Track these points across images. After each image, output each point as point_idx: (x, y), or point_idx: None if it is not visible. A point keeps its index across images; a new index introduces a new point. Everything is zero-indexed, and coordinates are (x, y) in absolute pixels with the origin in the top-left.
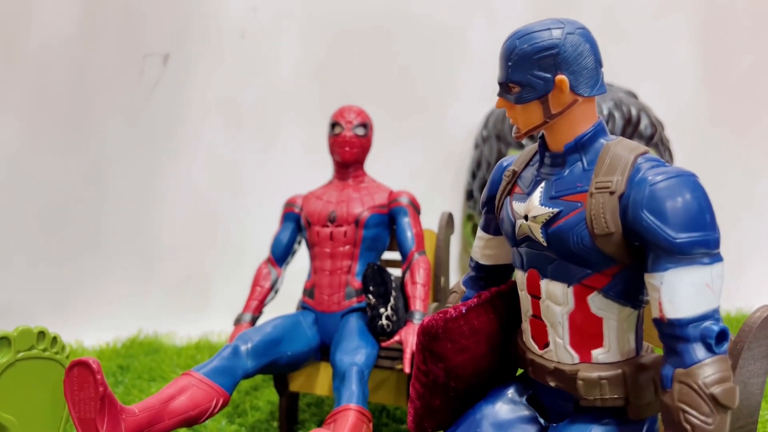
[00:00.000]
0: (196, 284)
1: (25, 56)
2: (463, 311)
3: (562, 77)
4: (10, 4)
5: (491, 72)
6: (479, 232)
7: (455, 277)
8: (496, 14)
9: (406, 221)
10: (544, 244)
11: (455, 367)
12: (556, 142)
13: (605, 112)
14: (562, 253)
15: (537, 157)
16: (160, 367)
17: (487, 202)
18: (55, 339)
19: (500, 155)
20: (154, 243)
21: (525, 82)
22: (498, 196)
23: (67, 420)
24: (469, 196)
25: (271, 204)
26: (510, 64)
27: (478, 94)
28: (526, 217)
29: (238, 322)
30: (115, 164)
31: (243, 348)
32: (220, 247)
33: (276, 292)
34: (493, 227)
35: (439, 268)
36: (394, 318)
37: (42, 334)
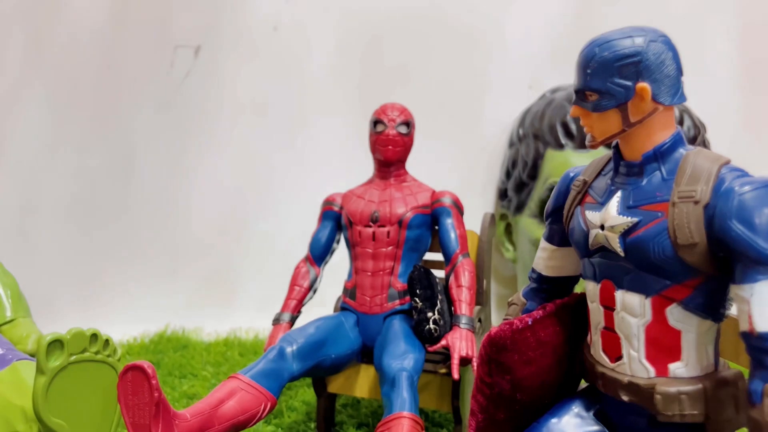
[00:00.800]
0: (223, 279)
1: (54, 47)
2: (530, 323)
3: (643, 85)
4: None
5: (527, 68)
6: (543, 243)
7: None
8: (532, 8)
9: (449, 222)
10: (622, 254)
11: (522, 380)
12: (632, 150)
13: None
14: (641, 263)
15: (609, 166)
16: (190, 363)
17: (552, 212)
18: (107, 341)
19: (537, 155)
20: (182, 237)
21: (604, 90)
22: (567, 206)
23: (119, 424)
24: (503, 195)
25: (300, 200)
26: (589, 71)
27: (513, 91)
28: (602, 227)
29: (276, 321)
30: (143, 156)
31: (288, 350)
32: (248, 242)
33: (314, 291)
34: (557, 238)
35: (482, 270)
36: (441, 322)
37: (95, 336)
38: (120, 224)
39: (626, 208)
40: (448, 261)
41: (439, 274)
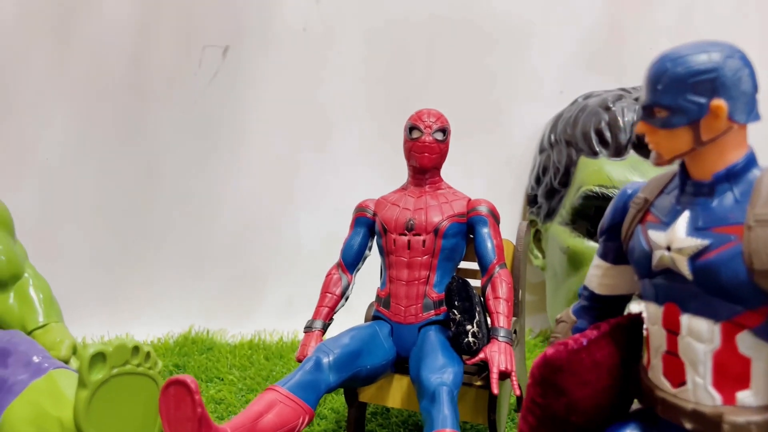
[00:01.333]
0: (248, 281)
1: (80, 45)
2: (584, 343)
3: (719, 102)
4: None
5: (558, 73)
6: (596, 260)
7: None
8: (567, 10)
9: (486, 231)
10: (690, 277)
11: (577, 402)
12: (702, 170)
13: None
14: (711, 288)
15: (673, 184)
16: (216, 366)
17: (608, 230)
18: (148, 354)
19: (570, 161)
20: (208, 238)
21: (675, 107)
22: (626, 224)
23: None
24: (532, 201)
25: (327, 202)
26: (659, 87)
27: (544, 96)
28: (668, 248)
29: (309, 329)
30: (169, 158)
31: (325, 361)
32: (274, 244)
33: (347, 299)
34: (612, 256)
35: (517, 280)
36: (480, 335)
37: (136, 349)
38: (145, 226)
39: (695, 230)
40: (485, 271)
41: (473, 282)
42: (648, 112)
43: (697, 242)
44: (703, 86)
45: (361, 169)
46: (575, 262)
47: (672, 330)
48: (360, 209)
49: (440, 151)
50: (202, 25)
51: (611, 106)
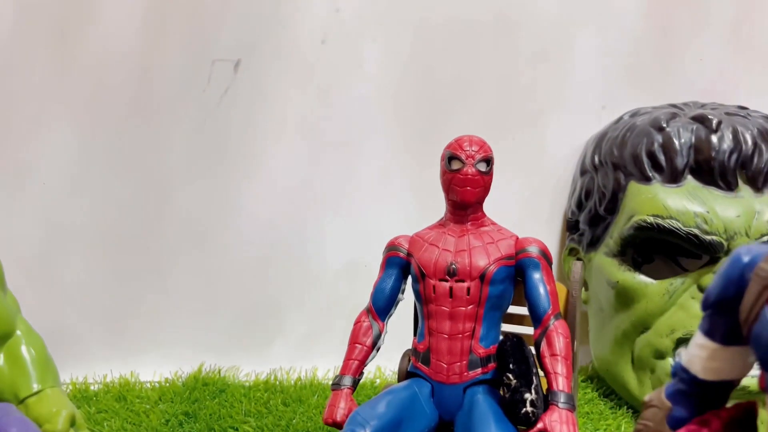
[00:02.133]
0: (263, 314)
1: (82, 59)
2: None
3: None
4: (66, 3)
5: (599, 87)
6: (700, 338)
7: None
8: (609, 20)
9: (537, 277)
10: None
11: None
12: None
13: (750, 142)
14: None
15: None
16: (230, 414)
17: (718, 302)
18: None
19: (618, 186)
20: (220, 267)
21: None
22: (748, 302)
23: None
24: (573, 228)
25: (348, 230)
26: None
27: (584, 112)
28: None
29: (336, 386)
30: (177, 181)
31: None
32: (291, 275)
33: (378, 349)
34: (722, 334)
35: (573, 330)
36: (539, 402)
37: None
38: (152, 254)
39: None
40: (538, 323)
41: (520, 329)
42: None
43: None
44: None
45: (388, 191)
46: (624, 298)
47: None
48: (392, 248)
49: (484, 183)
50: (212, 37)
51: (664, 125)
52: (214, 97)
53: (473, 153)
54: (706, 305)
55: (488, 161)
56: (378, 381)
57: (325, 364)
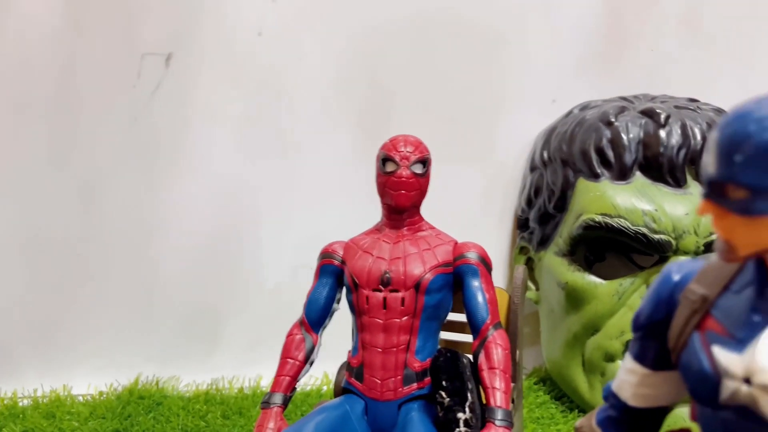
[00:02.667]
0: (202, 321)
1: (0, 53)
2: None
3: None
4: None
5: (549, 80)
6: (629, 362)
7: None
8: (557, 14)
9: (476, 285)
10: None
11: None
12: None
13: (698, 137)
14: None
15: (743, 278)
16: (164, 429)
17: (647, 325)
18: None
19: (567, 184)
20: (155, 271)
21: (762, 187)
22: (677, 327)
23: None
24: (523, 226)
25: (290, 230)
26: (739, 159)
27: (534, 106)
28: (747, 380)
29: (266, 405)
30: (107, 180)
31: None
32: (232, 280)
33: (311, 363)
34: (652, 359)
35: (515, 339)
36: (474, 421)
37: None
38: (83, 260)
39: None
40: (477, 333)
41: (458, 337)
42: (717, 189)
43: None
44: None
45: (331, 191)
46: (574, 299)
47: None
48: (326, 255)
49: (420, 186)
50: (140, 30)
51: (613, 120)
52: (145, 92)
53: (408, 154)
54: (636, 327)
55: (424, 162)
56: (325, 388)
57: (269, 372)
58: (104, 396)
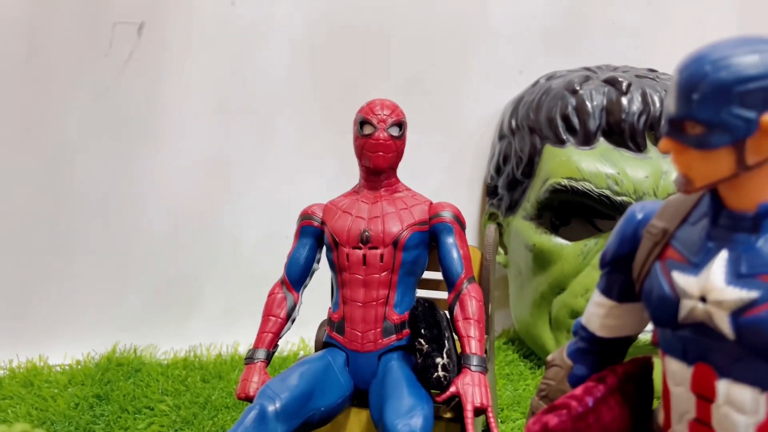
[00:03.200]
0: (179, 289)
1: None
2: (590, 404)
3: None
4: None
5: (516, 51)
6: (597, 297)
7: None
8: None
9: (451, 242)
10: (732, 337)
11: None
12: (743, 199)
13: (658, 104)
14: (760, 350)
15: (699, 211)
16: (145, 393)
17: (613, 261)
18: None
19: (534, 150)
20: (130, 242)
21: (715, 122)
22: (641, 259)
23: None
24: (492, 192)
25: (267, 200)
26: (695, 96)
27: (502, 77)
28: (702, 299)
29: (250, 360)
30: (80, 153)
31: (271, 409)
32: (207, 248)
33: (293, 321)
34: (618, 292)
35: (487, 294)
36: (451, 366)
37: None
38: (57, 231)
39: (737, 277)
40: (452, 287)
41: (434, 294)
42: (677, 126)
43: (742, 294)
44: (753, 97)
45: (304, 159)
46: (541, 260)
47: (704, 396)
48: (306, 217)
49: (396, 148)
50: None
51: (578, 88)
52: (117, 62)
53: (385, 117)
54: (603, 263)
55: (400, 125)
56: (302, 353)
57: (247, 338)
58: (81, 365)
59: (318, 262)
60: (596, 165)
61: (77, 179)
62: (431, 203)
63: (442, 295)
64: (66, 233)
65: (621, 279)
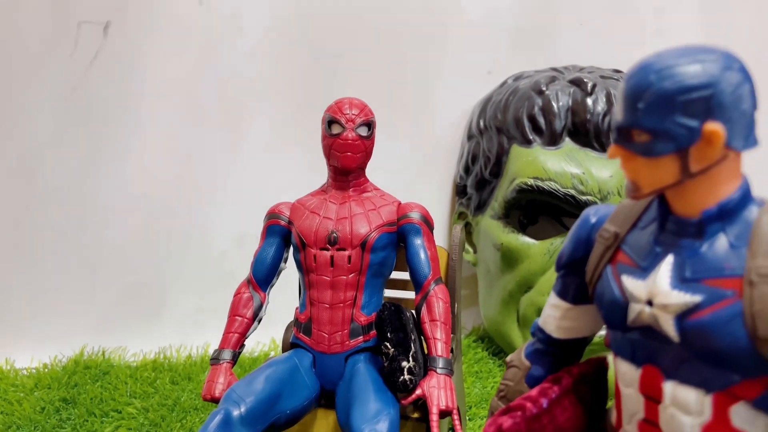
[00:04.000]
0: (147, 291)
1: None
2: (545, 405)
3: (714, 126)
4: None
5: (485, 51)
6: (554, 299)
7: None
8: None
9: (418, 243)
10: (676, 339)
11: None
12: (688, 205)
13: (601, 107)
14: (703, 353)
15: (648, 216)
16: (113, 396)
17: (568, 264)
18: None
19: (501, 150)
20: (98, 243)
21: (660, 131)
22: (593, 263)
23: None
24: (461, 192)
25: (237, 199)
26: (640, 105)
27: (470, 77)
28: (649, 303)
29: (215, 361)
30: (46, 152)
31: (235, 413)
32: (176, 247)
33: (259, 321)
34: (573, 294)
35: (454, 294)
36: (417, 369)
37: None
38: (24, 232)
39: (681, 281)
40: (419, 288)
41: (401, 294)
42: (624, 134)
43: (686, 298)
44: (695, 106)
45: (275, 158)
46: (509, 259)
47: (652, 397)
48: (273, 216)
49: (365, 148)
50: None
51: (544, 89)
52: (83, 62)
53: (353, 117)
54: (558, 266)
55: (369, 125)
56: (273, 354)
57: (217, 339)
58: (48, 368)
59: (285, 261)
60: (562, 165)
61: (44, 180)
62: (400, 204)
63: (410, 295)
64: (32, 234)
65: (576, 281)
